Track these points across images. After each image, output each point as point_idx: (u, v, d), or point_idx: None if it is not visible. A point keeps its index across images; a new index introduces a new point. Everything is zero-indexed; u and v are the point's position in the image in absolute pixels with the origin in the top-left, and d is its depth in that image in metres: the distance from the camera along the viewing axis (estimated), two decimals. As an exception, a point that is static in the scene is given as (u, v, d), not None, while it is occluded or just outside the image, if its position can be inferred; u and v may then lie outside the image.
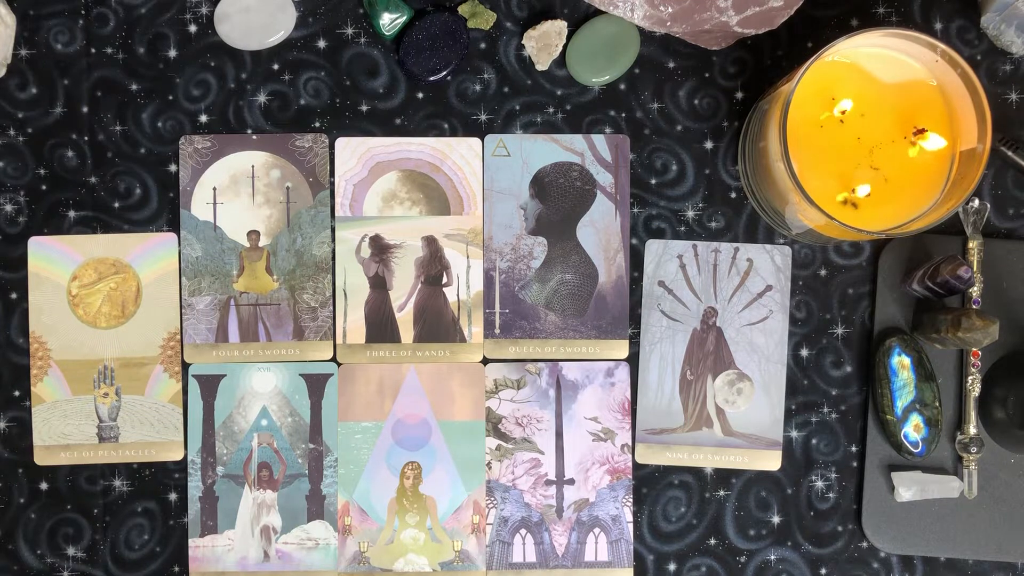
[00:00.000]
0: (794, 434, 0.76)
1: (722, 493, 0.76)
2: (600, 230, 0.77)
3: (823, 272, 0.76)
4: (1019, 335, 0.75)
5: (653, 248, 0.76)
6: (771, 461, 0.76)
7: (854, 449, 0.76)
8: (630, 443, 0.76)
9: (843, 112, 0.69)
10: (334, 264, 0.76)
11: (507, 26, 0.77)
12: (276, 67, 0.76)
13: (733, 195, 0.77)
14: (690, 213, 0.76)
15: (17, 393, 0.76)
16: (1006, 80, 0.77)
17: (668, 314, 0.76)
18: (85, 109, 0.76)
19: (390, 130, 0.77)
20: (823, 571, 0.76)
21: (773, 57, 0.77)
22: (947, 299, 0.75)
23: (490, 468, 0.76)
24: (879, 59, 0.69)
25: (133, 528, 0.76)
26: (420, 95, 0.77)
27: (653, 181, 0.77)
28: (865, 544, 0.76)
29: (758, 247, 0.76)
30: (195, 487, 0.76)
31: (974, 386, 0.75)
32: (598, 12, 0.76)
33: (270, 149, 0.76)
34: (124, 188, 0.76)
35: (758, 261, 0.76)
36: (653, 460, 0.76)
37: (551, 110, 0.77)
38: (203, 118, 0.76)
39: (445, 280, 0.76)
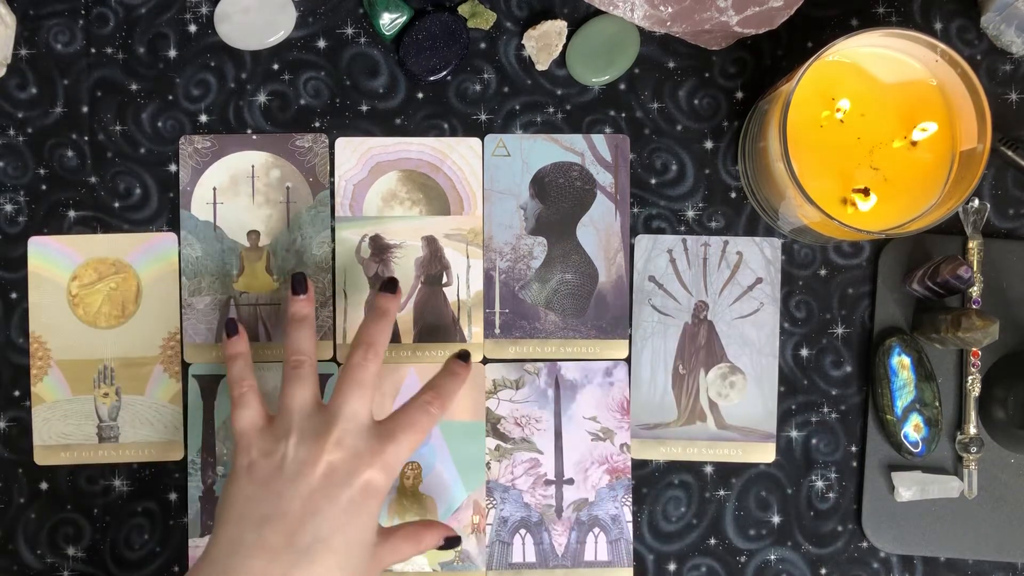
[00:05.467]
0: (794, 434, 0.76)
1: (722, 493, 0.76)
2: (600, 230, 0.77)
3: (823, 272, 0.76)
4: (1019, 335, 0.75)
5: (643, 243, 0.76)
6: (765, 454, 0.76)
7: (854, 449, 0.76)
8: (629, 442, 0.76)
9: (843, 112, 0.69)
10: (334, 264, 0.76)
11: (507, 26, 0.77)
12: (276, 67, 0.76)
13: (733, 195, 0.77)
14: (690, 213, 0.77)
15: (17, 393, 0.76)
16: (1006, 80, 0.77)
17: (659, 309, 0.76)
18: (85, 109, 0.76)
19: (390, 130, 0.77)
20: (823, 571, 0.76)
21: (773, 57, 0.77)
22: (947, 299, 0.75)
23: (489, 468, 0.76)
24: (879, 59, 0.69)
25: (133, 528, 0.76)
26: (420, 95, 0.77)
27: (653, 181, 0.77)
28: (865, 544, 0.76)
29: (747, 240, 0.76)
30: (195, 487, 0.76)
31: (974, 386, 0.75)
32: (598, 12, 0.76)
33: (270, 149, 0.76)
34: (124, 188, 0.76)
35: (748, 254, 0.76)
36: (647, 455, 0.76)
37: (551, 110, 0.77)
38: (203, 118, 0.76)
39: (445, 280, 0.77)
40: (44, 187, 0.76)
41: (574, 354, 0.76)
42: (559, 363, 0.76)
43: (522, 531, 0.76)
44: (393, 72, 0.77)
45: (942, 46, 0.66)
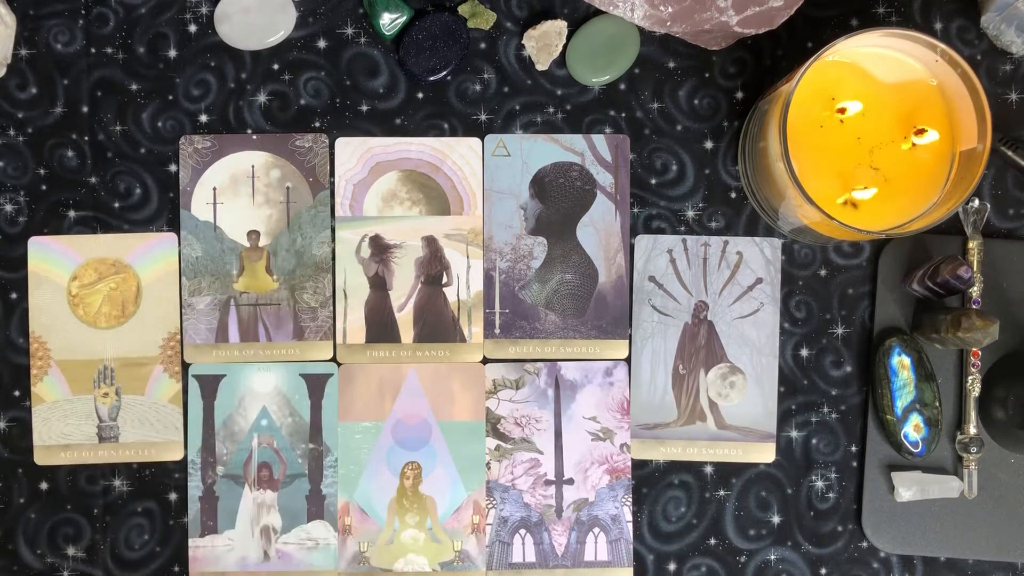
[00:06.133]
0: (794, 434, 0.76)
1: (722, 493, 0.76)
2: (600, 230, 0.77)
3: (823, 272, 0.76)
4: (1019, 335, 0.75)
5: (643, 243, 0.76)
6: (765, 454, 0.76)
7: (854, 449, 0.76)
8: (629, 442, 0.76)
9: (843, 112, 0.69)
10: (334, 264, 0.76)
11: (507, 26, 0.77)
12: (276, 67, 0.76)
13: (733, 195, 0.77)
14: (690, 213, 0.76)
15: (17, 393, 0.76)
16: (1006, 80, 0.77)
17: (659, 309, 0.76)
18: (85, 109, 0.76)
19: (390, 130, 0.77)
20: (823, 571, 0.76)
21: (773, 57, 0.77)
22: (947, 299, 0.75)
23: (489, 468, 0.76)
24: (879, 59, 0.69)
25: (133, 528, 0.76)
26: (420, 95, 0.77)
27: (653, 181, 0.77)
28: (865, 544, 0.76)
29: (747, 240, 0.76)
30: (195, 487, 0.76)
31: (974, 386, 0.75)
32: (598, 12, 0.76)
33: (270, 149, 0.76)
34: (124, 188, 0.76)
35: (748, 254, 0.76)
36: (647, 455, 0.76)
37: (551, 110, 0.77)
38: (203, 118, 0.76)
39: (445, 280, 0.76)
40: (44, 187, 0.76)
41: (574, 354, 0.76)
42: (559, 363, 0.76)
43: (522, 531, 0.76)
44: (393, 72, 0.77)
45: (942, 46, 0.66)
